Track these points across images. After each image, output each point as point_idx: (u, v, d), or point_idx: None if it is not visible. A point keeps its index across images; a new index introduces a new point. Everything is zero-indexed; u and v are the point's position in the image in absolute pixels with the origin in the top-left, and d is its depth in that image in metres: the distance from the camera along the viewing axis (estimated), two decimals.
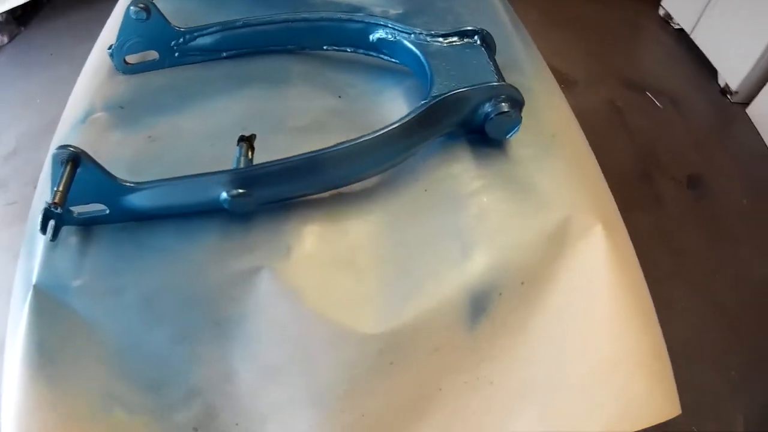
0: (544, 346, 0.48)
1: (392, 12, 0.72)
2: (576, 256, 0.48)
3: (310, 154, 0.50)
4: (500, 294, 0.47)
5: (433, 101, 0.52)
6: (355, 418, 0.46)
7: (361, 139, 0.49)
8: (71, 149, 0.46)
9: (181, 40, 0.65)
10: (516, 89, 0.53)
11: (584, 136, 0.65)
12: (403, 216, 0.51)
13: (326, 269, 0.48)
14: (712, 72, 2.18)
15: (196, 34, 0.65)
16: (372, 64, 0.65)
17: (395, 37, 0.61)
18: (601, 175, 0.60)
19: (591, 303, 0.48)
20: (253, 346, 0.48)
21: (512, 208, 0.51)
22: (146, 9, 0.61)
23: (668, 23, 2.45)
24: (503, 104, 0.52)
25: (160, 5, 0.63)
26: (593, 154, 0.63)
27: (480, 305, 0.47)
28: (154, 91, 0.65)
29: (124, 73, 0.67)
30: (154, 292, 0.49)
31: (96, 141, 0.59)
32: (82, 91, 0.68)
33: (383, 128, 0.50)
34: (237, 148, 0.53)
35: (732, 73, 2.06)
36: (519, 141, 0.55)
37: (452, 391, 0.47)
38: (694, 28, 2.23)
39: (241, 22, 0.64)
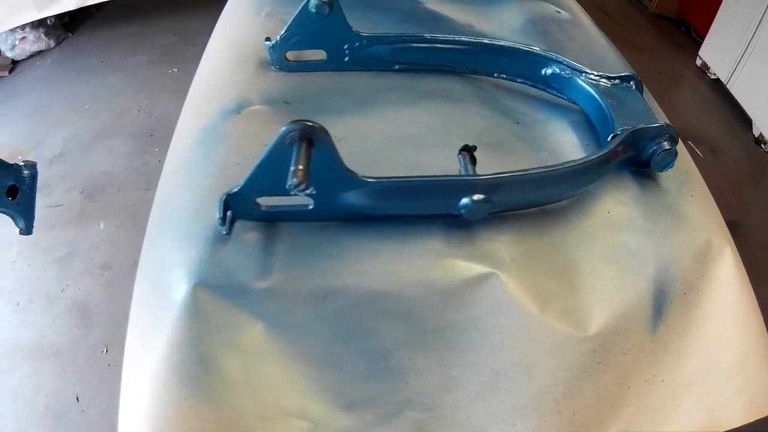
0: (699, 346, 0.55)
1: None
2: (717, 271, 0.56)
3: (544, 170, 0.50)
4: (671, 302, 0.54)
5: (622, 135, 0.55)
6: (568, 418, 0.50)
7: (575, 163, 0.52)
8: (311, 124, 0.40)
9: (357, 44, 0.62)
10: (674, 129, 0.58)
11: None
12: (594, 234, 0.55)
13: (545, 278, 0.50)
14: (748, 122, 2.23)
15: (375, 41, 0.62)
16: (537, 96, 0.66)
17: (568, 74, 0.62)
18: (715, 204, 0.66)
19: (728, 309, 0.56)
20: (477, 354, 0.47)
21: (671, 231, 0.57)
22: (329, 3, 0.58)
23: (705, 73, 2.52)
24: (666, 143, 0.56)
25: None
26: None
27: (659, 311, 0.53)
28: (324, 91, 0.62)
29: (280, 69, 0.63)
30: (368, 297, 0.44)
31: (262, 131, 0.55)
32: (219, 82, 0.63)
33: (590, 156, 0.53)
34: (459, 157, 0.52)
35: (766, 123, 2.11)
36: (665, 175, 0.61)
37: (637, 388, 0.53)
38: (729, 78, 2.30)
39: (424, 37, 0.63)
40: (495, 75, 0.65)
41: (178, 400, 0.41)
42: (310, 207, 0.46)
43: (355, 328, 0.45)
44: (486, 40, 0.64)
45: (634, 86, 0.62)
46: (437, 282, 0.46)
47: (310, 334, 0.45)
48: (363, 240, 0.47)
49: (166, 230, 0.48)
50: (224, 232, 0.44)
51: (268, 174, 0.42)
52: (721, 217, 0.64)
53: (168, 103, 2.07)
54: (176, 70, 2.26)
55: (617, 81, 0.62)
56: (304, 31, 0.60)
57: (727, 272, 0.57)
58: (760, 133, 2.13)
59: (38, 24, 2.30)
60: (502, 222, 0.51)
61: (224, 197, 0.43)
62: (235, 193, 0.42)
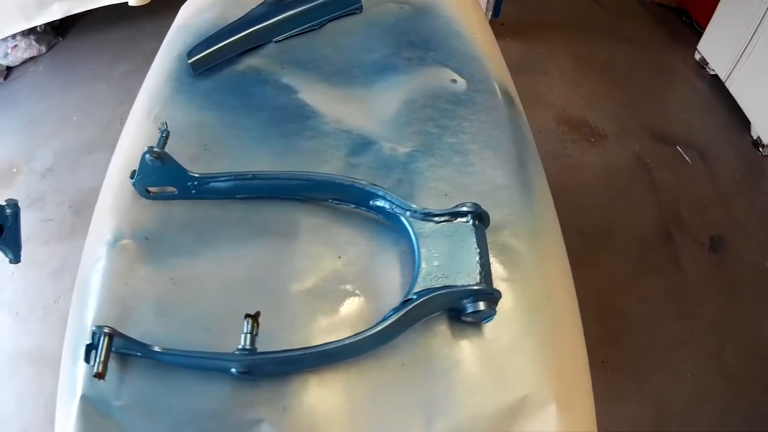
0: None
1: (401, 149, 0.75)
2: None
3: (306, 350, 0.57)
4: None
5: (415, 302, 0.57)
6: None
7: (348, 341, 0.56)
8: (106, 331, 0.56)
9: (196, 182, 0.70)
10: (492, 291, 0.58)
11: (575, 299, 0.69)
12: (381, 388, 0.58)
13: (316, 428, 0.57)
14: (745, 123, 2.11)
15: (209, 180, 0.70)
16: (373, 219, 0.70)
17: (392, 210, 0.65)
18: (582, 341, 0.65)
19: None
20: None
21: (476, 386, 0.57)
22: (160, 157, 0.67)
23: (703, 68, 2.37)
24: (480, 304, 0.57)
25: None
26: (579, 317, 0.67)
27: None
28: (175, 225, 0.71)
29: (146, 198, 0.73)
30: (179, 424, 0.58)
31: (126, 273, 0.67)
32: (108, 207, 0.74)
33: (369, 329, 0.57)
34: (245, 323, 0.59)
35: (765, 125, 2.00)
36: (506, 312, 0.61)
37: None
38: (729, 75, 2.16)
39: (251, 175, 0.69)
40: (330, 201, 0.70)
41: None
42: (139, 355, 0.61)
43: None
44: (317, 175, 0.68)
45: (471, 223, 0.61)
46: (221, 422, 0.58)
47: None
48: (179, 380, 0.60)
49: (71, 346, 0.67)
50: (93, 373, 0.57)
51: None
52: (577, 363, 0.62)
53: None
54: None
55: (447, 218, 0.62)
56: (151, 173, 0.69)
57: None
58: (758, 136, 2.02)
59: (29, 31, 2.40)
60: (289, 376, 0.59)
61: (85, 346, 0.57)
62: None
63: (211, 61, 0.86)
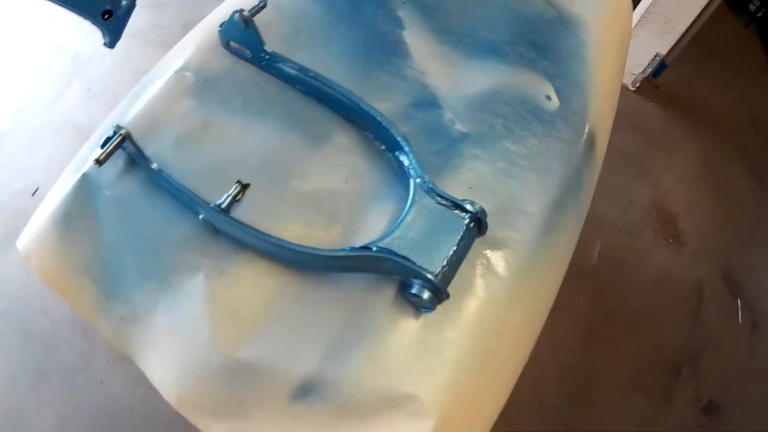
0: None
1: (458, 126, 0.75)
2: None
3: (261, 237, 0.62)
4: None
5: (369, 253, 0.59)
6: None
7: (298, 248, 0.61)
8: (122, 132, 0.69)
9: (267, 57, 0.74)
10: (441, 289, 0.58)
11: (523, 358, 0.68)
12: (307, 305, 0.63)
13: (235, 301, 0.63)
14: None
15: (278, 60, 0.74)
16: (393, 169, 0.70)
17: (407, 169, 0.66)
18: (503, 395, 0.65)
19: None
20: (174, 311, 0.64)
21: (380, 358, 0.60)
22: (245, 21, 0.71)
23: None
24: (425, 292, 0.58)
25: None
26: (515, 375, 0.67)
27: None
28: (233, 81, 0.76)
29: (225, 48, 0.77)
30: (138, 237, 0.67)
31: (171, 99, 0.74)
32: (192, 40, 0.80)
33: (322, 250, 0.61)
34: (233, 186, 0.66)
35: None
36: (450, 315, 0.62)
37: None
38: None
39: (313, 74, 0.72)
40: (367, 133, 0.72)
41: (46, 235, 0.70)
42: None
43: (132, 248, 0.68)
44: (363, 104, 0.70)
45: (466, 222, 0.60)
46: (171, 251, 0.66)
47: (110, 235, 0.69)
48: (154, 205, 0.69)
49: (100, 129, 0.77)
50: (95, 158, 0.67)
51: None
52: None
53: None
54: None
55: (449, 205, 0.62)
56: (234, 31, 0.75)
57: None
58: None
59: None
60: (242, 246, 0.65)
61: (105, 138, 0.68)
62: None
63: None
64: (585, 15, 0.89)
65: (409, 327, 0.61)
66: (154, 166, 0.67)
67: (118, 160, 0.70)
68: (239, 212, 0.66)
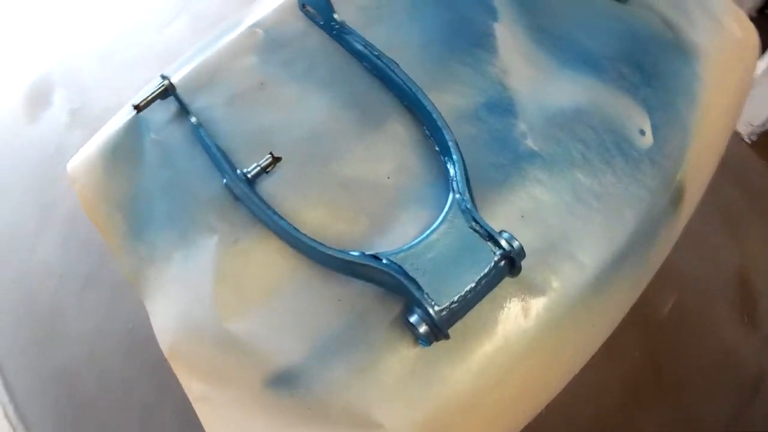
0: None
1: (528, 142, 0.66)
2: None
3: (277, 218, 0.59)
4: None
5: (373, 265, 0.53)
6: None
7: (309, 241, 0.57)
8: (165, 84, 0.68)
9: (337, 26, 0.69)
10: (442, 328, 0.51)
11: (536, 405, 0.62)
12: (307, 296, 0.60)
13: (240, 275, 0.60)
14: None
15: (346, 32, 0.68)
16: (442, 175, 0.63)
17: (450, 179, 0.60)
18: None
19: None
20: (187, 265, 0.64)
21: (363, 380, 0.56)
22: None
23: None
24: (423, 325, 0.52)
25: None
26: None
27: None
28: (302, 45, 0.72)
29: (301, 10, 0.74)
30: (169, 185, 0.66)
31: (234, 54, 0.71)
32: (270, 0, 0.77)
33: (330, 248, 0.56)
34: (266, 157, 0.63)
35: None
36: (448, 351, 0.56)
37: None
38: None
39: (378, 54, 0.66)
40: (425, 129, 0.66)
41: (92, 158, 0.71)
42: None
43: (169, 193, 0.69)
44: (422, 98, 0.63)
45: (497, 257, 0.53)
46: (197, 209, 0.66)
47: (149, 177, 0.69)
48: (196, 153, 0.68)
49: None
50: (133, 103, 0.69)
51: None
52: None
53: None
54: None
55: (481, 233, 0.54)
56: None
57: None
58: None
59: None
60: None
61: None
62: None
63: None
64: (706, 46, 0.75)
65: (403, 353, 0.56)
66: (193, 120, 0.65)
67: (170, 106, 0.69)
68: (267, 184, 0.63)
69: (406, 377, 0.55)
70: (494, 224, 0.58)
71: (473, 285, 0.52)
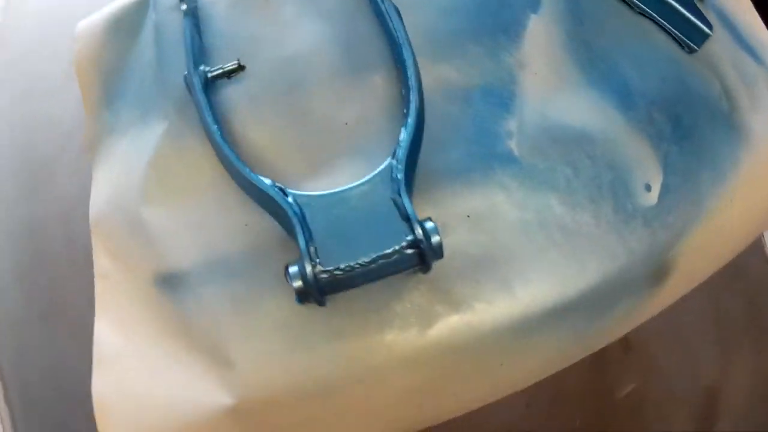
0: None
1: (510, 144, 0.58)
2: None
3: (211, 132, 0.55)
4: None
5: (265, 188, 0.50)
6: None
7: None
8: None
9: None
10: (312, 291, 0.46)
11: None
12: (224, 197, 0.57)
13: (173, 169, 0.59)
14: None
15: None
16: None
17: (404, 138, 0.53)
18: None
19: None
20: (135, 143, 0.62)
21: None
22: None
23: None
24: (298, 279, 0.46)
25: None
26: None
27: None
28: None
29: None
30: (151, 64, 0.64)
31: None
32: None
33: (248, 173, 0.52)
34: (232, 63, 0.60)
35: None
36: (315, 322, 0.51)
37: None
38: None
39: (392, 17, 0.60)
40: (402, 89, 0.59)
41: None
42: None
43: None
44: (406, 48, 0.57)
45: (403, 244, 0.49)
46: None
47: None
48: None
49: None
50: None
51: None
52: None
53: None
54: None
55: (401, 214, 0.50)
56: None
57: None
58: None
59: None
60: None
61: None
62: None
63: None
64: (759, 133, 0.64)
65: (283, 304, 0.51)
66: (184, 7, 0.63)
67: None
68: (227, 91, 0.60)
69: (278, 330, 0.51)
70: (433, 212, 0.52)
71: (367, 260, 0.46)
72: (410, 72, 0.54)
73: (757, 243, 1.11)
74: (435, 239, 0.46)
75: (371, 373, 0.51)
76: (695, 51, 0.68)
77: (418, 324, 0.51)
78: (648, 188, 0.58)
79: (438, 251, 0.46)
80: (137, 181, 0.59)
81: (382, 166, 0.50)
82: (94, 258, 0.61)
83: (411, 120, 0.51)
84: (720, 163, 0.62)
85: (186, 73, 0.59)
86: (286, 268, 0.47)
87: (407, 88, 0.55)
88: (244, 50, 0.62)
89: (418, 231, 0.46)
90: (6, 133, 1.39)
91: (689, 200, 0.60)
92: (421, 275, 0.50)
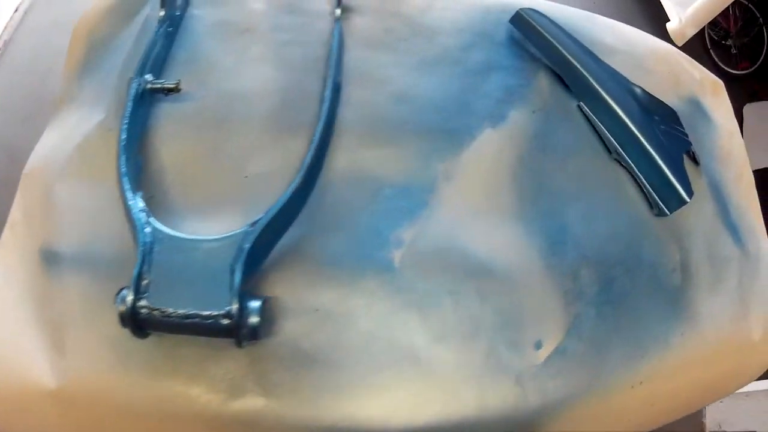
0: None
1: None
2: None
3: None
4: None
5: (136, 217, 0.51)
6: None
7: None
8: None
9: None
10: (130, 321, 0.47)
11: None
12: None
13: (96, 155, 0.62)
14: None
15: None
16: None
17: None
18: None
19: None
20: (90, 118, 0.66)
21: None
22: None
23: None
24: (123, 305, 0.48)
25: None
26: None
27: None
28: (303, 21, 0.70)
29: None
30: (132, 54, 0.68)
31: None
32: None
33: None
34: (174, 82, 0.62)
35: None
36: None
37: None
38: None
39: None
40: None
41: None
42: None
43: None
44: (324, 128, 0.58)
45: (224, 323, 0.48)
46: None
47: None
48: None
49: None
50: None
51: None
52: None
53: None
54: None
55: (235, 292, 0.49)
56: None
57: None
58: None
59: None
60: None
61: None
62: None
63: None
64: (709, 317, 0.61)
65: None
66: (161, 13, 0.67)
67: None
68: (164, 105, 0.63)
69: (111, 341, 0.52)
70: (284, 293, 0.52)
71: (183, 313, 0.46)
72: (309, 155, 0.54)
73: None
74: (252, 320, 0.45)
75: (169, 418, 0.50)
76: (665, 215, 0.62)
77: (226, 392, 0.49)
78: (538, 346, 0.53)
79: (253, 332, 0.45)
80: (63, 157, 0.62)
81: (238, 230, 0.49)
82: (13, 206, 0.64)
83: (282, 198, 0.51)
84: (643, 341, 0.56)
85: (132, 76, 0.63)
86: (120, 290, 0.48)
87: (301, 166, 0.55)
88: (198, 71, 0.65)
89: (235, 306, 0.45)
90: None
91: (584, 372, 0.53)
92: (250, 347, 0.49)
